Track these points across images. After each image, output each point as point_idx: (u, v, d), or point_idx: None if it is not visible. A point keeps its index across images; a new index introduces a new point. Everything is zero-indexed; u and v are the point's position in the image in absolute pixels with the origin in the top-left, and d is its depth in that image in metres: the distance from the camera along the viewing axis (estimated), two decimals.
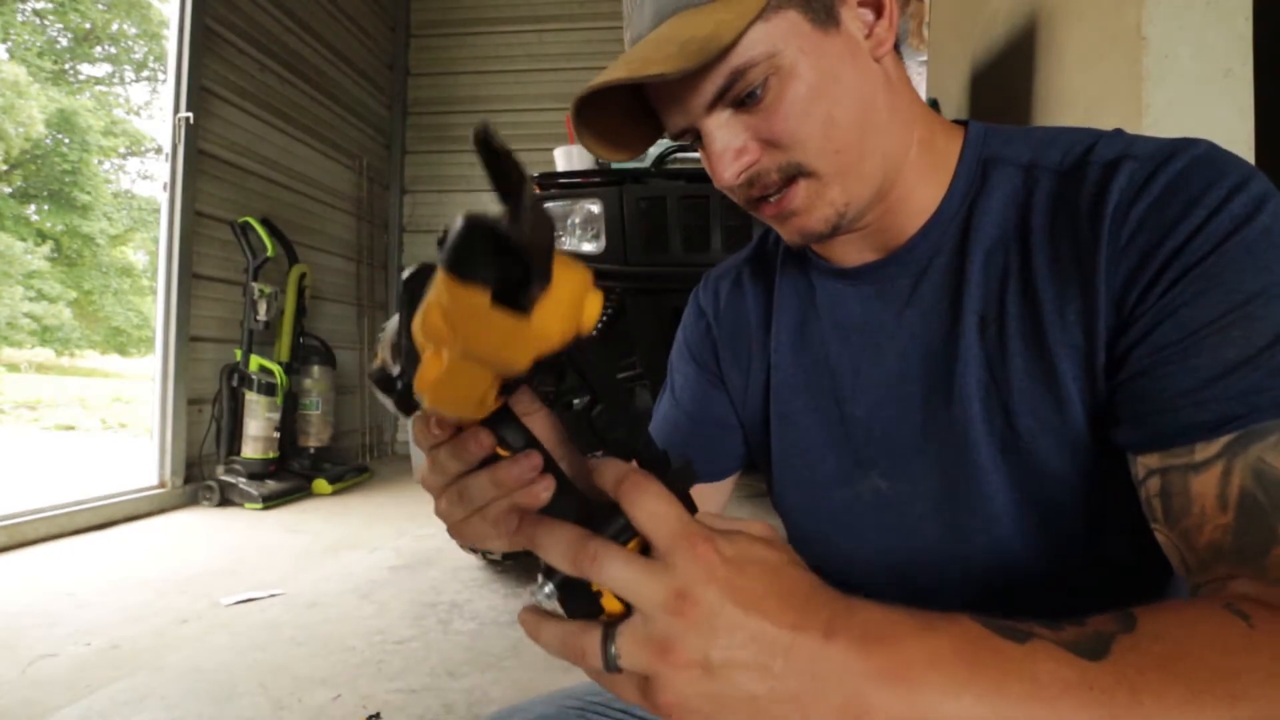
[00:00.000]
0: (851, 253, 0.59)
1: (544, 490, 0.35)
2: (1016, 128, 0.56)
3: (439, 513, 0.39)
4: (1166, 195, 0.44)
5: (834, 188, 0.51)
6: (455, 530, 0.39)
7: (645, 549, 0.32)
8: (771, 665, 0.30)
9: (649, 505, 0.31)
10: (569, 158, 2.39)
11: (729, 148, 0.50)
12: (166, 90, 3.48)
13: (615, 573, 0.31)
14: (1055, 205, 0.50)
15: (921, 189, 0.55)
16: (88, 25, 14.79)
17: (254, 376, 3.51)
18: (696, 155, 2.18)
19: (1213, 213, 0.42)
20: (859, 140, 0.51)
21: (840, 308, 0.60)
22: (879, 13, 0.51)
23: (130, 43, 15.81)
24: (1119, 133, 0.50)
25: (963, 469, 0.52)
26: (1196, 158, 0.44)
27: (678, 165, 2.16)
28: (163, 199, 3.42)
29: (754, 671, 0.30)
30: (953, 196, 0.54)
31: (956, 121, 0.58)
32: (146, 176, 16.88)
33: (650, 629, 0.30)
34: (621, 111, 0.55)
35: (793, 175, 0.51)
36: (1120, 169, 0.46)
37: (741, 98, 0.49)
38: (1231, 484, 0.39)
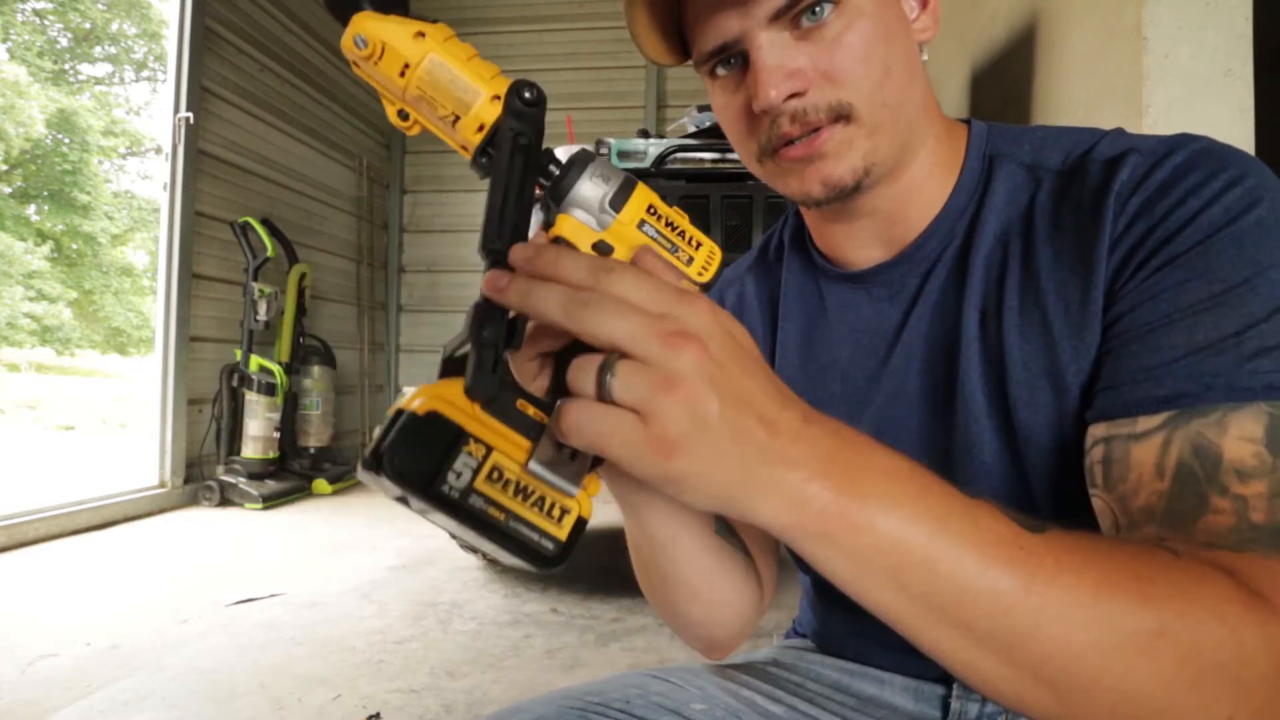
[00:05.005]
0: (860, 251, 0.59)
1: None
2: (1019, 126, 0.56)
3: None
4: (1164, 187, 0.44)
5: (868, 140, 0.50)
6: None
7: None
8: (755, 426, 0.31)
9: (630, 277, 0.32)
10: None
11: (782, 65, 0.49)
12: (166, 90, 3.48)
13: (624, 288, 0.31)
14: (1058, 203, 0.50)
15: (932, 182, 0.55)
16: (88, 25, 14.78)
17: (254, 376, 3.51)
18: (697, 155, 2.20)
19: (1207, 204, 0.42)
20: (902, 103, 0.51)
21: (852, 312, 0.60)
22: (924, 6, 0.54)
23: (130, 43, 15.80)
24: (1120, 132, 0.50)
25: (967, 467, 0.52)
26: (1197, 151, 0.45)
27: (678, 165, 2.16)
28: (163, 199, 3.42)
29: (740, 428, 0.30)
30: (959, 193, 0.55)
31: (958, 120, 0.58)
32: (146, 176, 16.88)
33: (655, 363, 0.30)
34: (664, 16, 0.53)
35: (837, 117, 0.50)
36: (1123, 163, 0.47)
37: (802, 15, 0.48)
38: (1170, 454, 0.40)
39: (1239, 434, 0.38)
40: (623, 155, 2.26)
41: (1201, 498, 0.39)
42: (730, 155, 2.16)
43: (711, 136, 2.30)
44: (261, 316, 3.57)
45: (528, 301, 0.32)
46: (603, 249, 0.38)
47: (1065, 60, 1.70)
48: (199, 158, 3.50)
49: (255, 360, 3.56)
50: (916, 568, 0.31)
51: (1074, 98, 1.63)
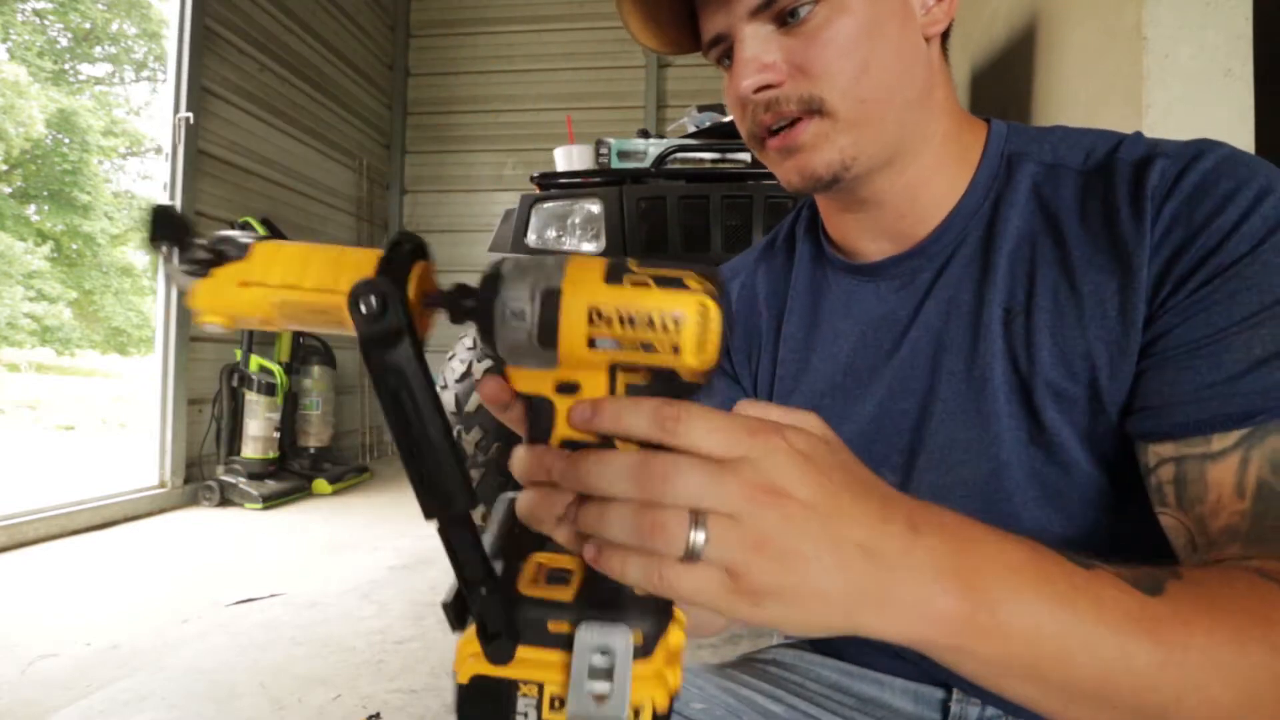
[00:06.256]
0: (870, 243, 0.59)
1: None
2: (1037, 127, 0.56)
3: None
4: (1198, 193, 0.45)
5: (846, 135, 0.51)
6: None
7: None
8: (856, 558, 0.29)
9: (699, 423, 0.29)
10: (569, 158, 2.39)
11: (757, 57, 0.50)
12: (166, 90, 3.48)
13: (696, 438, 0.28)
14: (1085, 203, 0.50)
15: (941, 180, 0.55)
16: (88, 25, 14.77)
17: (254, 376, 3.51)
18: (697, 155, 2.20)
19: (1245, 214, 0.43)
20: (886, 99, 0.51)
21: (858, 304, 0.60)
22: None
23: (130, 43, 15.78)
24: (1139, 135, 0.51)
25: (983, 464, 0.52)
26: (1224, 157, 0.45)
27: (678, 165, 2.16)
28: (163, 199, 3.42)
29: (841, 564, 0.29)
30: (975, 189, 0.55)
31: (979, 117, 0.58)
32: (146, 176, 16.86)
33: (744, 521, 0.28)
34: (670, 4, 0.55)
35: (810, 110, 0.51)
36: (1152, 166, 0.47)
37: (785, 14, 0.49)
38: (1249, 473, 0.41)
39: None
40: (622, 155, 2.27)
41: None
42: (730, 155, 2.16)
43: (711, 136, 2.31)
44: None
45: (590, 484, 0.29)
46: (567, 389, 0.31)
47: (1065, 60, 1.70)
48: (199, 158, 3.50)
49: (255, 360, 3.55)
50: (1053, 661, 0.31)
51: (1074, 98, 1.63)
